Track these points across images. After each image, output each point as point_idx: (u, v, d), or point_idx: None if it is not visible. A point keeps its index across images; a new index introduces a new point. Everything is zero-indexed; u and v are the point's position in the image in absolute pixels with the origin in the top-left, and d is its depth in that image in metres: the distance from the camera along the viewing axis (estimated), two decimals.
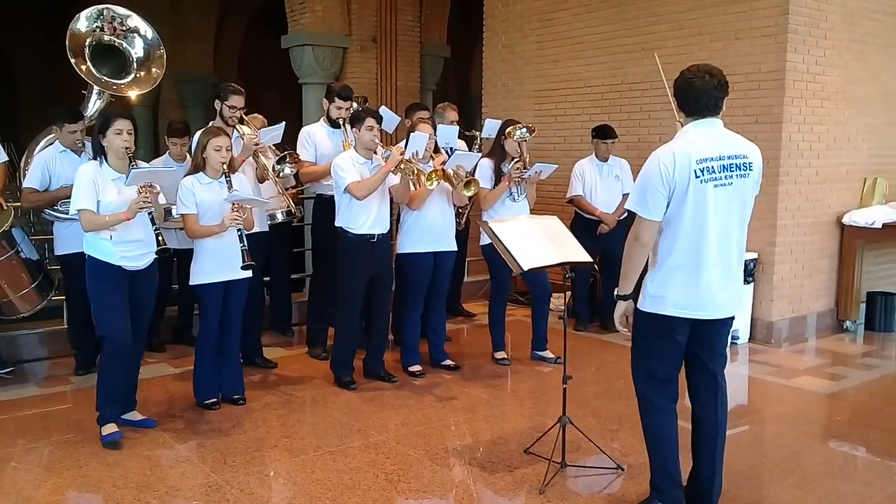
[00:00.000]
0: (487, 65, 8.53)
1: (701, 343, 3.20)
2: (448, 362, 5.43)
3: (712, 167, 3.01)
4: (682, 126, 3.21)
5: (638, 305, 3.20)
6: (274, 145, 5.31)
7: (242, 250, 4.31)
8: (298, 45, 10.25)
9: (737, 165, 3.06)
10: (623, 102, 7.13)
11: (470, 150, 6.02)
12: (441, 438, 4.21)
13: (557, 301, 7.14)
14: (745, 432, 4.45)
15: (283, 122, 5.27)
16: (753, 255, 6.17)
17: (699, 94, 3.05)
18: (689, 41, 6.58)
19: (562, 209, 6.52)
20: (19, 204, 5.14)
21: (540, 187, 5.72)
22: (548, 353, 5.61)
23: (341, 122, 5.49)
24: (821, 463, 4.01)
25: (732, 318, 3.26)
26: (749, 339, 6.26)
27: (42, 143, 5.16)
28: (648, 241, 3.10)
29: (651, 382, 3.22)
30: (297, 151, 5.42)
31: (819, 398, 5.04)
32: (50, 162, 4.93)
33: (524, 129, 5.33)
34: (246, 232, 4.43)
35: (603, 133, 6.33)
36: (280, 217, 5.55)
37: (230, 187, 4.39)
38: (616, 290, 3.25)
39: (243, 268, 4.33)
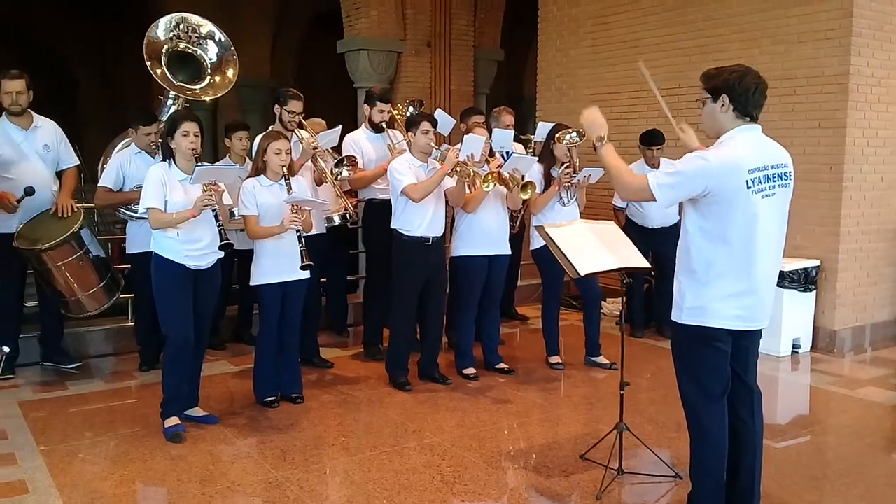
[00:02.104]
0: (542, 68, 8.52)
1: (735, 355, 3.11)
2: (502, 366, 5.45)
3: (760, 177, 2.92)
4: (683, 133, 3.17)
5: (674, 318, 3.11)
6: (331, 148, 5.39)
7: (301, 251, 4.39)
8: (354, 49, 10.37)
9: (779, 175, 2.98)
10: (681, 106, 7.00)
11: (526, 154, 6.02)
12: (496, 442, 4.22)
13: (611, 306, 7.11)
14: (807, 443, 4.36)
15: (340, 126, 5.36)
16: (816, 263, 6.04)
17: (758, 98, 2.95)
18: (750, 44, 6.48)
19: (614, 213, 6.49)
20: (89, 205, 5.33)
21: (591, 191, 5.69)
22: (602, 359, 5.58)
23: (384, 126, 5.55)
24: (885, 475, 3.90)
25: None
26: (811, 348, 6.13)
27: (119, 144, 5.36)
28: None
29: (704, 400, 3.09)
30: (353, 154, 5.49)
31: (883, 409, 4.91)
32: (125, 163, 5.11)
33: (574, 134, 5.31)
34: (304, 234, 4.52)
35: (648, 139, 6.25)
36: (337, 220, 5.64)
37: (290, 189, 4.48)
38: (599, 139, 3.24)
39: (302, 268, 4.42)
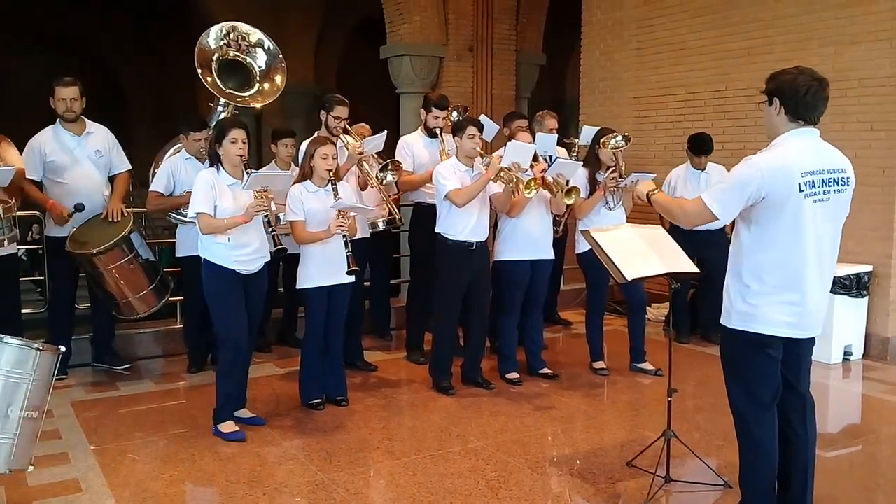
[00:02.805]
0: (585, 72, 8.47)
1: (787, 363, 3.05)
2: (545, 371, 5.42)
3: (814, 181, 2.87)
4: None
5: (723, 322, 3.06)
6: (376, 153, 5.43)
7: (347, 256, 4.43)
8: (396, 55, 10.44)
9: (835, 180, 2.91)
10: (728, 109, 6.96)
11: (570, 158, 5.99)
12: (540, 447, 4.20)
13: (656, 312, 7.03)
14: (859, 453, 4.26)
15: (385, 131, 5.40)
16: (868, 268, 5.91)
17: (809, 100, 2.89)
18: (799, 46, 6.37)
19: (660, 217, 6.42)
20: (139, 209, 5.44)
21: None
22: (647, 365, 5.52)
23: (438, 132, 5.58)
24: None
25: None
26: (863, 355, 5.99)
27: (170, 150, 5.47)
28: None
29: (754, 407, 3.04)
30: (397, 159, 5.53)
31: None
32: (175, 168, 5.22)
33: (619, 138, 5.27)
34: (350, 238, 4.55)
35: (699, 148, 6.14)
36: (381, 225, 5.69)
37: (336, 195, 4.53)
38: (650, 193, 3.28)
39: (348, 272, 4.45)
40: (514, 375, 5.30)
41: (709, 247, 5.87)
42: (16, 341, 3.05)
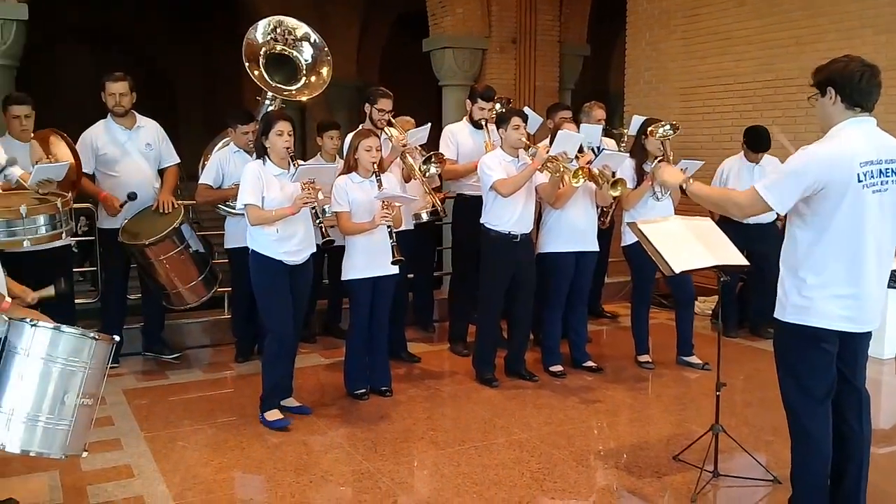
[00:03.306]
0: (630, 62, 8.38)
1: (843, 357, 2.98)
2: (590, 363, 5.39)
3: (872, 171, 2.79)
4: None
5: (777, 316, 3.00)
6: (420, 146, 5.44)
7: (392, 246, 4.45)
8: (439, 48, 10.44)
9: (893, 171, 2.84)
10: (778, 99, 6.82)
11: (618, 149, 5.93)
12: (585, 440, 4.18)
13: (703, 305, 6.93)
14: None
15: (429, 124, 5.41)
16: None
17: (864, 86, 2.82)
18: (850, 34, 6.22)
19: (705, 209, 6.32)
20: (189, 201, 5.54)
21: None
22: (694, 359, 5.44)
23: (483, 123, 5.58)
24: None
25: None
26: None
27: (219, 143, 5.55)
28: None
29: (807, 402, 2.98)
30: (440, 150, 5.54)
31: None
32: (224, 161, 5.30)
33: (667, 127, 5.20)
34: (395, 230, 4.57)
35: (756, 144, 5.97)
36: (425, 217, 5.70)
37: (380, 186, 4.55)
38: (687, 183, 3.17)
39: (393, 262, 4.48)
40: (557, 368, 5.28)
41: (759, 240, 5.77)
42: (72, 330, 3.11)
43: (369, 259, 4.61)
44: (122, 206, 5.16)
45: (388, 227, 4.48)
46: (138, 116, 5.40)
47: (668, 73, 7.91)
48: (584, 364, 5.39)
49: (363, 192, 4.60)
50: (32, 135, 4.93)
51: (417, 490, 3.61)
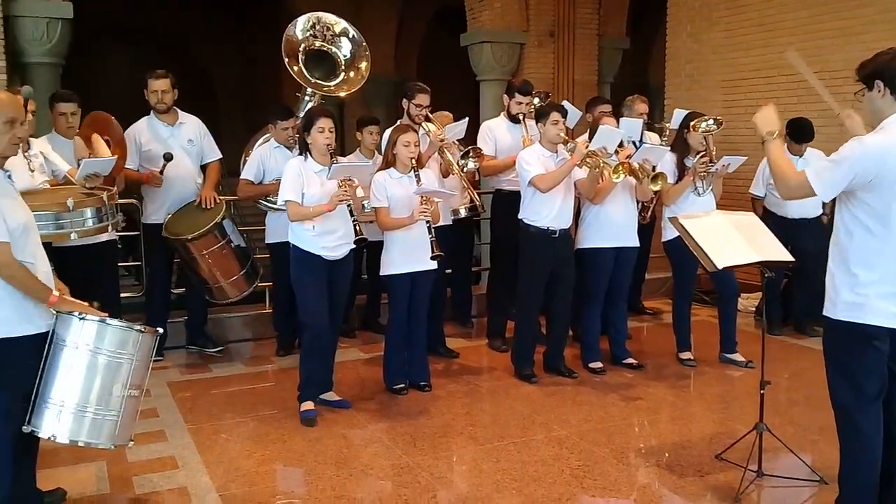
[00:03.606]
0: (671, 55, 8.27)
1: (894, 356, 2.89)
2: (630, 360, 5.34)
3: None
4: (849, 119, 2.98)
5: (827, 313, 2.93)
6: (457, 141, 5.43)
7: (431, 241, 4.46)
8: (477, 42, 10.40)
9: None
10: None
11: (661, 143, 5.85)
12: (625, 438, 4.14)
13: (746, 302, 6.82)
14: None
15: (467, 118, 5.41)
16: None
17: None
18: None
19: (748, 203, 6.23)
20: (231, 197, 5.60)
21: (726, 181, 5.47)
22: (738, 356, 5.36)
23: (521, 118, 5.55)
24: None
25: None
26: None
27: (260, 139, 5.62)
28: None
29: (858, 401, 2.90)
30: (478, 146, 5.53)
31: None
32: (264, 156, 5.36)
33: (710, 122, 5.13)
34: (434, 225, 4.58)
35: (799, 135, 5.87)
36: (464, 212, 5.70)
37: (419, 181, 4.56)
38: (768, 135, 3.11)
39: (432, 258, 4.49)
40: (597, 365, 5.24)
41: (803, 235, 5.67)
42: (118, 323, 3.17)
43: (408, 254, 4.62)
44: (161, 172, 5.21)
45: (427, 222, 4.49)
46: (180, 113, 5.47)
47: (710, 66, 7.79)
48: (624, 361, 5.34)
49: (402, 187, 4.61)
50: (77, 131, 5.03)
51: (456, 485, 3.61)
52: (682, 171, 5.19)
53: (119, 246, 5.83)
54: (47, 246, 4.46)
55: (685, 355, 5.42)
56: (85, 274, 4.95)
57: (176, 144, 5.40)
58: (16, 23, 7.50)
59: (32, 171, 4.44)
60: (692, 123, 5.16)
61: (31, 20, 7.58)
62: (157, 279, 5.57)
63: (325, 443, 4.05)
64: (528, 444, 4.02)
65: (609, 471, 3.72)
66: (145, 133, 5.36)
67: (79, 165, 4.50)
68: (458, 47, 10.80)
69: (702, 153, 5.13)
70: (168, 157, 5.21)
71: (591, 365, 5.24)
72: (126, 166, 5.22)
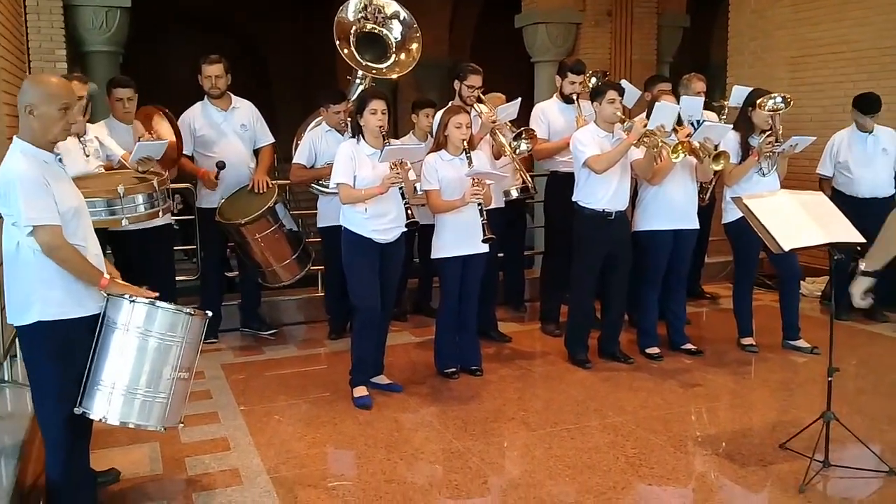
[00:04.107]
0: (734, 32, 7.97)
1: None
2: (688, 346, 5.18)
3: None
4: None
5: None
6: (509, 122, 5.32)
7: (483, 224, 4.38)
8: (531, 23, 10.22)
9: None
10: None
11: (719, 122, 5.64)
12: (683, 425, 4.01)
13: (810, 286, 6.58)
14: None
15: (520, 99, 5.29)
16: None
17: None
18: None
19: (814, 184, 5.97)
20: (283, 181, 5.61)
21: (792, 161, 5.24)
22: (802, 343, 5.15)
23: (574, 98, 5.41)
24: None
25: None
26: None
27: (312, 123, 5.60)
28: None
29: None
30: (531, 127, 5.41)
31: None
32: (316, 140, 5.34)
33: (778, 100, 4.91)
34: (485, 208, 4.50)
35: (866, 105, 5.62)
36: (515, 194, 5.61)
37: (470, 163, 4.48)
38: (862, 263, 2.85)
39: (484, 241, 4.41)
40: (654, 350, 5.09)
41: (873, 215, 5.35)
42: (168, 306, 3.17)
43: (459, 237, 4.54)
44: (216, 177, 5.26)
45: (479, 204, 4.41)
46: (234, 97, 5.49)
47: (776, 42, 7.48)
48: (682, 346, 5.19)
49: (453, 169, 4.54)
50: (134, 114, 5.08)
51: (508, 471, 3.54)
52: (745, 150, 4.99)
53: (176, 228, 5.91)
54: (103, 230, 4.58)
55: (746, 341, 5.23)
56: (142, 257, 5.05)
57: (229, 129, 5.43)
58: (76, 12, 7.66)
59: (87, 155, 4.50)
60: (758, 101, 4.95)
61: (90, 9, 7.74)
62: (212, 263, 5.62)
63: (376, 426, 4.02)
64: (581, 431, 3.92)
65: (666, 459, 3.60)
66: (199, 118, 5.39)
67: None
68: (513, 29, 10.63)
69: (767, 132, 4.92)
70: (221, 166, 5.24)
71: (648, 350, 5.11)
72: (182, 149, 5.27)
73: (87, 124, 4.62)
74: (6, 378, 3.95)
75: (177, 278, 5.58)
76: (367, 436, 3.90)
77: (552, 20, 10.05)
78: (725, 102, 5.84)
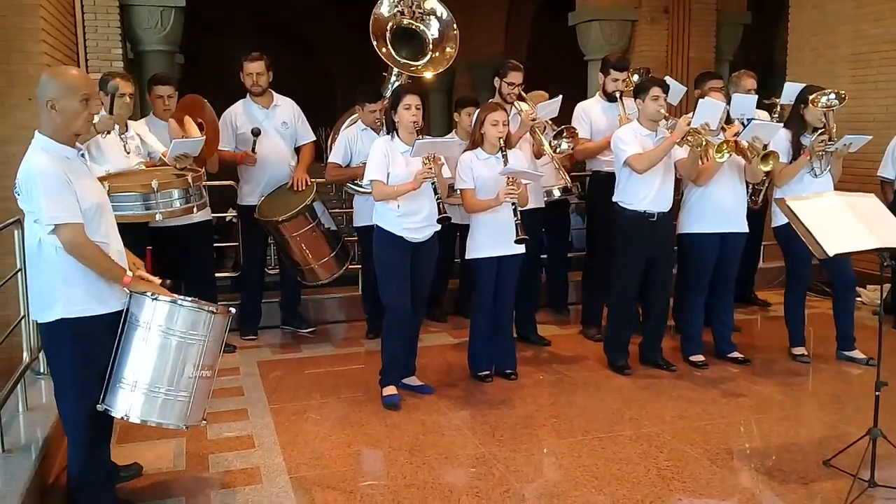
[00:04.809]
0: (794, 28, 7.66)
1: None
2: (735, 354, 4.96)
3: None
4: None
5: None
6: (550, 120, 5.18)
7: (516, 224, 4.27)
8: (585, 20, 10.03)
9: None
10: None
11: (771, 120, 5.40)
12: (723, 437, 3.83)
13: (871, 294, 6.26)
14: None
15: (560, 96, 5.14)
16: None
17: None
18: None
19: (876, 187, 5.67)
20: (321, 179, 5.60)
21: (849, 162, 4.98)
22: (857, 353, 4.89)
23: (618, 96, 5.25)
24: None
25: None
26: None
27: (347, 122, 5.57)
28: None
29: None
30: (571, 125, 5.27)
31: None
32: (352, 139, 5.30)
33: (832, 96, 4.66)
34: (521, 208, 4.39)
35: None
36: (557, 193, 5.47)
37: (506, 162, 4.37)
38: None
39: (517, 241, 4.29)
40: (698, 358, 4.90)
41: None
42: (190, 304, 3.14)
43: (494, 238, 4.44)
44: (253, 149, 5.24)
45: (513, 204, 4.30)
46: (275, 95, 5.50)
47: (837, 39, 7.15)
48: (728, 355, 4.98)
49: (489, 168, 4.44)
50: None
51: (532, 479, 3.42)
52: (797, 149, 4.76)
53: (234, 220, 5.92)
54: (143, 227, 4.64)
55: (798, 350, 4.99)
56: (185, 251, 5.12)
57: (270, 127, 5.43)
58: (131, 11, 7.82)
59: (128, 152, 4.55)
60: (811, 98, 4.72)
61: (145, 8, 7.89)
62: (252, 260, 5.64)
63: (402, 428, 3.95)
64: (614, 440, 3.78)
65: (700, 473, 3.43)
66: (241, 115, 5.42)
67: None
68: (571, 28, 10.45)
69: (820, 131, 4.68)
70: (256, 132, 5.22)
71: (692, 358, 4.91)
72: (221, 147, 5.30)
73: (129, 121, 4.68)
74: (42, 371, 4.01)
75: (218, 275, 5.61)
76: (393, 438, 3.84)
77: (606, 17, 9.83)
78: (777, 100, 5.58)
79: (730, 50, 10.65)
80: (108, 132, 4.39)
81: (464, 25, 14.54)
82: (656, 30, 9.99)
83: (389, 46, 5.29)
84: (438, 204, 4.16)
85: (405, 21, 5.37)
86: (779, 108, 5.60)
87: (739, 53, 11.01)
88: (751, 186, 5.23)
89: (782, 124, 4.85)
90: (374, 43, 5.23)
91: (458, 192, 4.52)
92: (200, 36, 8.65)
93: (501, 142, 4.40)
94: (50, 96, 2.84)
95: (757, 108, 5.45)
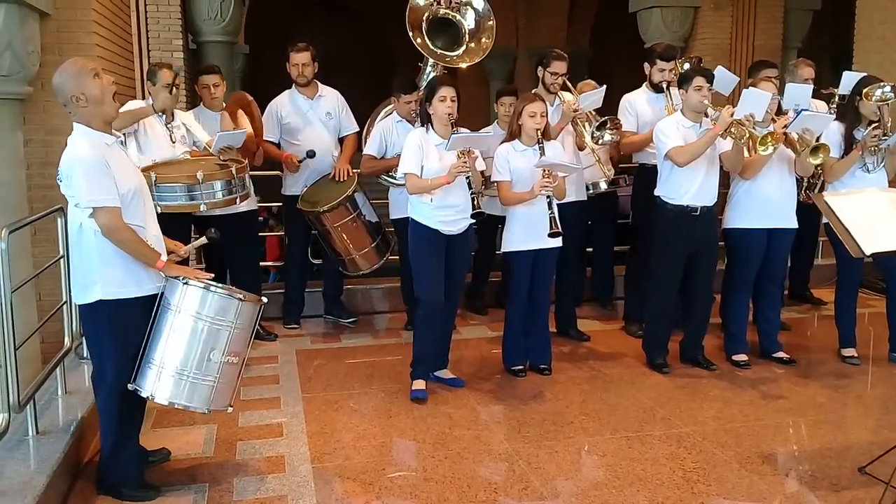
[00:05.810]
0: (861, 14, 7.31)
1: None
2: (781, 354, 4.80)
3: None
4: None
5: None
6: (593, 111, 5.07)
7: (550, 217, 4.21)
8: (646, 7, 9.78)
9: None
10: None
11: (829, 111, 5.17)
12: (756, 440, 3.70)
13: None
14: None
15: (604, 87, 5.03)
16: None
17: None
18: None
19: None
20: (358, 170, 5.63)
21: None
22: None
23: (665, 86, 5.10)
24: None
25: None
26: None
27: (382, 113, 5.58)
28: None
29: None
30: (616, 117, 5.15)
31: None
32: (387, 131, 5.30)
33: (887, 89, 4.45)
34: (558, 201, 4.33)
35: None
36: (604, 186, 5.38)
37: (542, 154, 4.31)
38: None
39: (550, 235, 4.23)
40: (741, 357, 4.75)
41: None
42: (221, 290, 3.22)
43: (529, 231, 4.39)
44: (300, 161, 5.33)
45: (549, 197, 4.24)
46: (320, 86, 5.55)
47: None
48: (774, 355, 4.81)
49: (525, 160, 4.39)
50: (224, 106, 5.23)
51: (551, 478, 3.37)
52: (849, 143, 4.55)
53: (273, 212, 6.05)
54: (188, 216, 4.76)
55: (848, 352, 4.79)
56: (229, 241, 5.22)
57: (315, 117, 5.49)
58: (192, 2, 8.01)
59: (174, 142, 4.69)
60: (865, 91, 4.50)
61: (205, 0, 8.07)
62: (296, 249, 5.73)
63: (428, 421, 3.96)
64: (641, 440, 3.70)
65: (727, 476, 3.33)
66: (286, 106, 5.49)
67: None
68: (634, 15, 10.22)
69: (875, 124, 4.46)
70: (311, 154, 5.31)
71: (735, 357, 4.77)
72: (267, 138, 5.39)
73: (176, 111, 4.80)
74: (86, 355, 4.16)
75: (262, 264, 5.72)
76: (418, 430, 3.85)
77: (667, 4, 9.54)
78: (835, 91, 5.34)
79: (798, 37, 10.25)
80: (166, 113, 4.59)
81: (528, 14, 14.50)
82: (720, 16, 9.66)
83: (425, 36, 5.26)
84: (473, 199, 4.13)
85: (441, 11, 5.32)
86: (836, 98, 5.35)
87: (812, 41, 10.57)
88: (805, 180, 5.04)
89: (834, 116, 4.63)
90: (410, 33, 5.20)
91: (495, 184, 4.48)
92: (265, 30, 8.81)
93: (539, 133, 4.34)
94: (71, 91, 2.96)
95: (814, 98, 5.23)
